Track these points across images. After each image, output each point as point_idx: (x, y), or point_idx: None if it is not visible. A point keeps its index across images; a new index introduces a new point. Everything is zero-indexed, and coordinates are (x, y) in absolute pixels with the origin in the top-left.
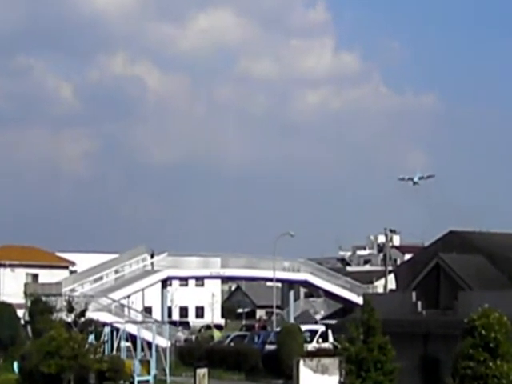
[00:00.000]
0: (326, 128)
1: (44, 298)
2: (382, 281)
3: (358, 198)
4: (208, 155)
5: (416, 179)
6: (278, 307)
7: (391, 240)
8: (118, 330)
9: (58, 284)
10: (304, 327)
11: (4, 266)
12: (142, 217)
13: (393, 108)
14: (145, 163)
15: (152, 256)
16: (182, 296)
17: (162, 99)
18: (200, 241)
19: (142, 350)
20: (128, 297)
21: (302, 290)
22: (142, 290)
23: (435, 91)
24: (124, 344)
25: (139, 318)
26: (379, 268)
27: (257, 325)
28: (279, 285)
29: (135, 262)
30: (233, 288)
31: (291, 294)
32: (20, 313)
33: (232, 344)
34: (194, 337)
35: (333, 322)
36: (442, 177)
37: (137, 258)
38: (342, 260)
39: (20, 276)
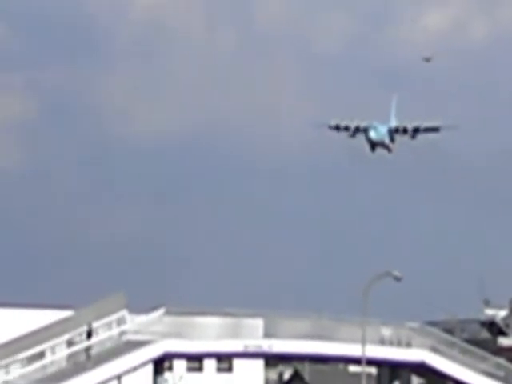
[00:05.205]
0: None
1: None
2: None
3: None
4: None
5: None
6: None
7: None
8: None
9: None
10: None
11: None
12: (112, 241)
13: None
14: (113, 137)
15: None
16: None
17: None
18: (223, 286)
19: None
20: None
21: (416, 381)
22: (118, 378)
23: None
24: None
25: None
26: None
27: None
28: (373, 370)
29: (105, 326)
30: (286, 376)
31: None
32: None
33: None
34: None
35: None
36: None
37: (107, 319)
38: (491, 325)
39: None
